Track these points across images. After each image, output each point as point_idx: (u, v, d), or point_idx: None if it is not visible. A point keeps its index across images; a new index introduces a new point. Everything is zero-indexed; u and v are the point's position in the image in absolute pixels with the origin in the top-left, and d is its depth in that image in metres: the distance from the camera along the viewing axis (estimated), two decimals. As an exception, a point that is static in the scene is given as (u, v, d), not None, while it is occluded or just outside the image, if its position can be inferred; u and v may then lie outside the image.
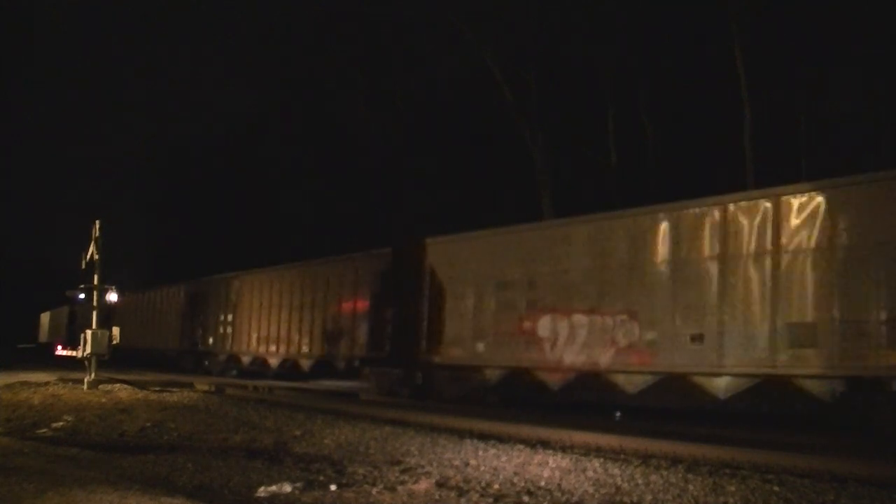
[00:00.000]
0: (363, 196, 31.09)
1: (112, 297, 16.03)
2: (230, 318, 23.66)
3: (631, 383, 12.12)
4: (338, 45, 30.22)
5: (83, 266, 15.36)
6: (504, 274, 14.37)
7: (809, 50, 19.56)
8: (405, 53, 29.20)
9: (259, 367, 22.10)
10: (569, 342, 13.00)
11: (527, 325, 13.72)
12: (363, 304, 17.98)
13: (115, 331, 15.41)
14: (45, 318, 47.06)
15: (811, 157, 19.61)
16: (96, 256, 15.21)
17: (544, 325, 13.44)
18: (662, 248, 12.02)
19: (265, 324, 21.68)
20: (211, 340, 24.69)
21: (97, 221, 15.29)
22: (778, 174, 18.90)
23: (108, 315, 30.83)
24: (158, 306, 29.76)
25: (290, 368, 20.65)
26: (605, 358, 12.47)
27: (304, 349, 19.83)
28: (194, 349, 25.69)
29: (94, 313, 15.43)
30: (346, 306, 18.44)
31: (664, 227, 12.07)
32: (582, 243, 13.19)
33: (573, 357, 12.91)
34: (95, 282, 15.43)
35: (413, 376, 15.84)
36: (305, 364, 19.98)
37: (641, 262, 12.27)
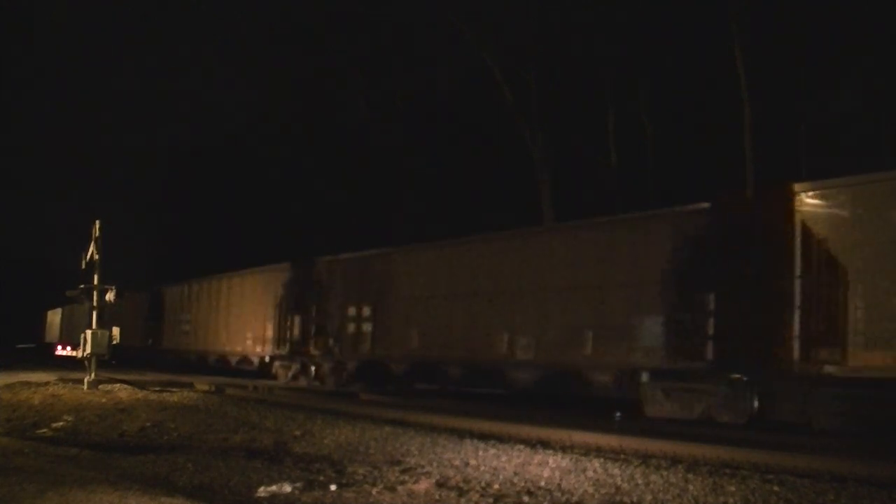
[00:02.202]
0: (363, 196, 31.09)
1: (112, 297, 16.02)
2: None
3: None
4: (338, 45, 30.22)
5: (83, 266, 15.36)
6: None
7: (809, 50, 19.56)
8: (405, 53, 29.19)
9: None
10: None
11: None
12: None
13: (115, 331, 15.41)
14: (53, 316, 42.94)
15: (811, 157, 19.61)
16: (96, 256, 15.21)
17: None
18: None
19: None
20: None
21: (97, 221, 15.30)
22: (778, 174, 18.93)
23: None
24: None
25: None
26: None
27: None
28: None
29: (94, 313, 15.42)
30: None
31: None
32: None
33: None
34: (95, 282, 15.43)
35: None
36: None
37: None
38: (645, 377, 11.90)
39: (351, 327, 18.18)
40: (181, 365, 24.95)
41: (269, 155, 35.96)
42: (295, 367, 20.29)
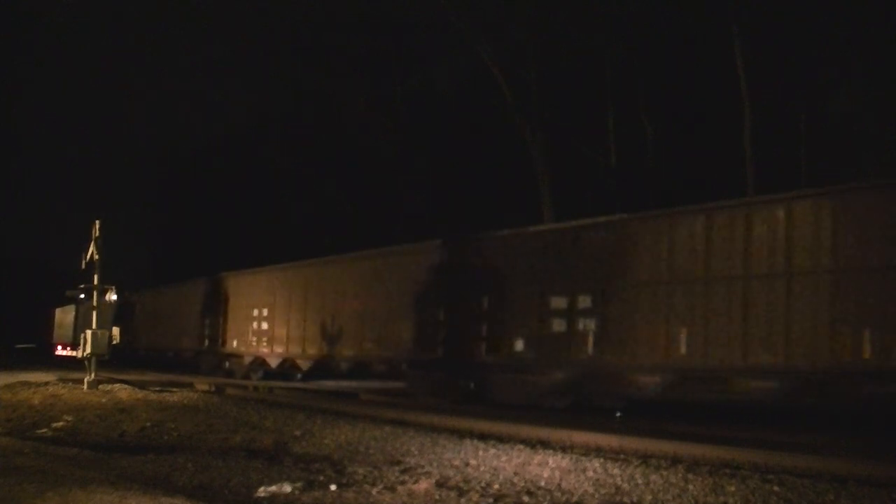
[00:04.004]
0: (363, 196, 31.12)
1: (112, 296, 16.03)
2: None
3: None
4: (337, 45, 30.24)
5: (83, 266, 15.37)
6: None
7: (809, 50, 19.57)
8: (405, 53, 29.23)
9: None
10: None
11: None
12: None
13: (115, 331, 15.42)
14: (63, 315, 39.40)
15: (811, 157, 19.62)
16: (96, 256, 15.22)
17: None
18: None
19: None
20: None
21: (97, 221, 15.30)
22: (778, 174, 18.95)
23: (130, 314, 30.46)
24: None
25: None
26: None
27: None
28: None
29: (94, 313, 15.43)
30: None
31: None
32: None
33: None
34: (95, 282, 15.43)
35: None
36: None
37: None
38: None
39: (555, 324, 13.28)
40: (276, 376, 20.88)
41: (268, 155, 35.98)
42: (446, 377, 15.27)
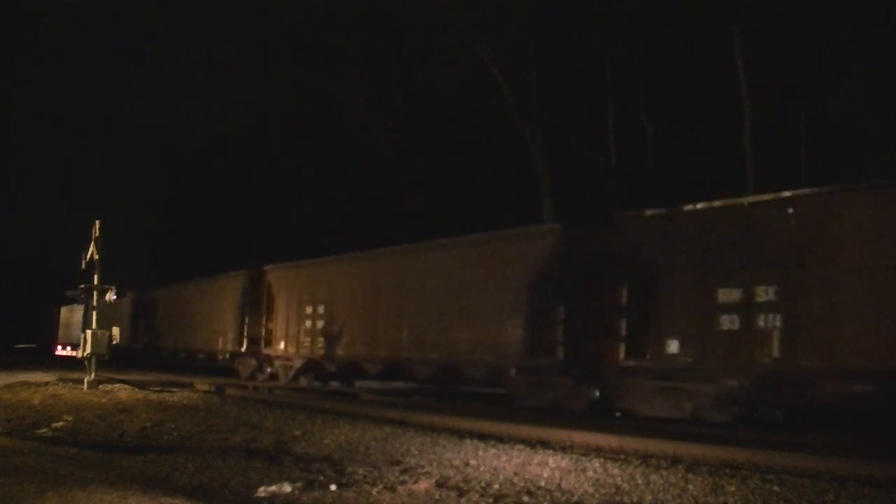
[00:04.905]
0: (363, 196, 31.11)
1: (112, 297, 16.04)
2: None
3: None
4: (337, 45, 30.23)
5: (83, 266, 15.38)
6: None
7: (809, 50, 19.57)
8: (405, 53, 29.21)
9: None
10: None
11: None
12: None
13: (115, 331, 15.43)
14: (69, 313, 37.66)
15: (811, 157, 19.62)
16: (96, 256, 15.22)
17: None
18: None
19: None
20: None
21: (97, 221, 15.31)
22: (778, 174, 18.94)
23: (151, 313, 28.99)
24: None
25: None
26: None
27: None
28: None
29: (94, 313, 15.44)
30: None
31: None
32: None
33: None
34: (95, 282, 15.44)
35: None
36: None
37: None
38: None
39: (723, 321, 10.92)
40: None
41: (268, 155, 35.99)
42: (567, 383, 13.01)
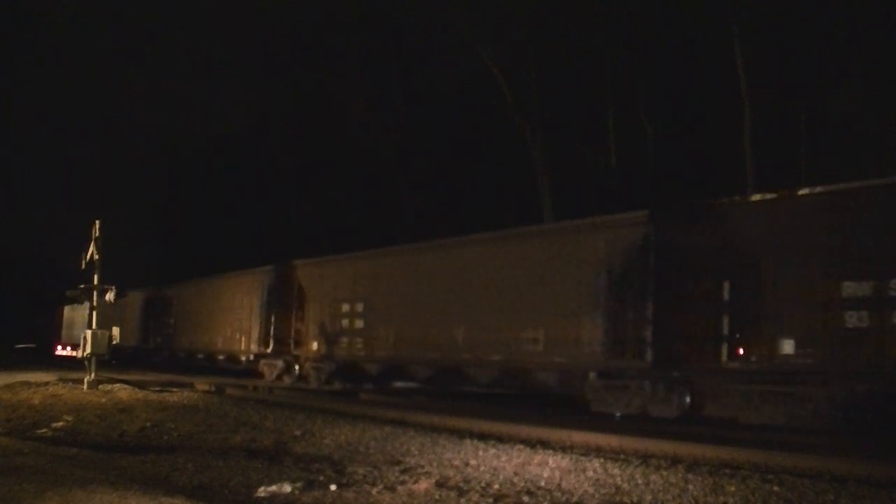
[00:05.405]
0: (363, 196, 31.13)
1: (112, 296, 16.03)
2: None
3: None
4: (337, 45, 30.26)
5: (83, 266, 15.38)
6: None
7: (809, 50, 19.57)
8: (405, 53, 29.23)
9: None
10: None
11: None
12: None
13: (115, 331, 15.42)
14: (72, 312, 36.53)
15: (811, 157, 19.63)
16: (96, 256, 15.23)
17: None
18: None
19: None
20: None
21: (97, 221, 15.32)
22: (778, 174, 18.95)
23: (165, 311, 27.55)
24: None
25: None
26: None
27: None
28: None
29: (94, 313, 15.44)
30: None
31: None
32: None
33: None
34: (95, 282, 15.44)
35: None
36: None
37: None
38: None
39: (849, 318, 9.70)
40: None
41: (268, 155, 36.01)
42: (657, 388, 11.67)
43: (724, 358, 10.72)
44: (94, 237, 15.25)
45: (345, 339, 17.92)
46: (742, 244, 10.79)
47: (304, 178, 33.85)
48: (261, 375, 20.70)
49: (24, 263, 56.62)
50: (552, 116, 24.56)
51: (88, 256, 15.26)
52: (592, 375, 12.36)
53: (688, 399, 11.36)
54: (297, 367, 19.70)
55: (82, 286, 15.69)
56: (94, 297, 15.48)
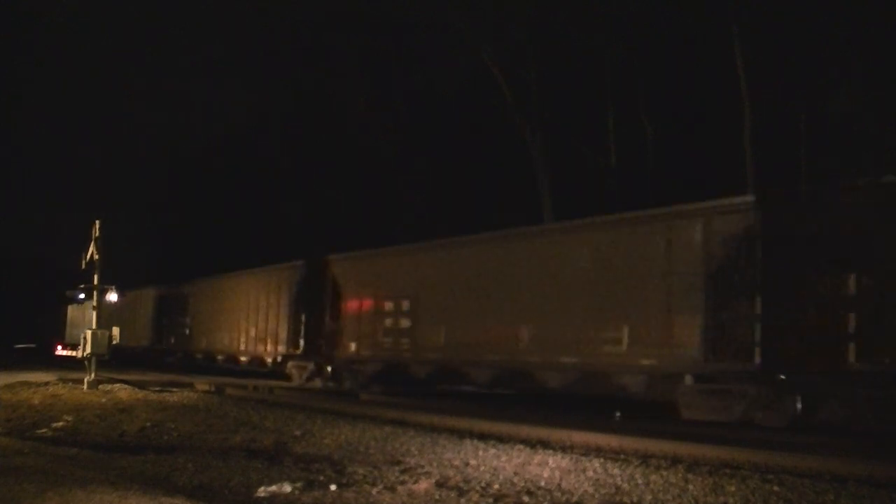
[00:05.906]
0: (363, 196, 31.13)
1: (112, 297, 16.04)
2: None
3: None
4: (337, 45, 30.26)
5: (83, 266, 15.39)
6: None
7: (809, 50, 19.57)
8: (405, 53, 29.22)
9: None
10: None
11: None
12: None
13: (115, 331, 15.43)
14: (75, 313, 35.81)
15: (811, 157, 19.62)
16: (96, 256, 15.23)
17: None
18: None
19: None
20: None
21: (97, 221, 15.33)
22: (778, 174, 18.96)
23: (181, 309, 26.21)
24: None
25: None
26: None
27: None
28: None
29: (97, 313, 15.45)
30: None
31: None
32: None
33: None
34: (95, 282, 15.45)
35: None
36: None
37: None
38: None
39: None
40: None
41: (268, 155, 36.00)
42: (767, 394, 10.62)
43: (852, 359, 9.61)
44: (94, 237, 15.25)
45: (389, 340, 16.64)
46: (871, 233, 9.65)
47: (305, 177, 33.84)
48: (288, 378, 19.70)
49: (24, 263, 56.61)
50: (552, 116, 24.55)
51: (88, 256, 15.27)
52: (689, 379, 11.12)
53: (799, 405, 10.27)
54: (329, 369, 18.60)
55: (82, 286, 15.70)
56: (95, 297, 15.49)
